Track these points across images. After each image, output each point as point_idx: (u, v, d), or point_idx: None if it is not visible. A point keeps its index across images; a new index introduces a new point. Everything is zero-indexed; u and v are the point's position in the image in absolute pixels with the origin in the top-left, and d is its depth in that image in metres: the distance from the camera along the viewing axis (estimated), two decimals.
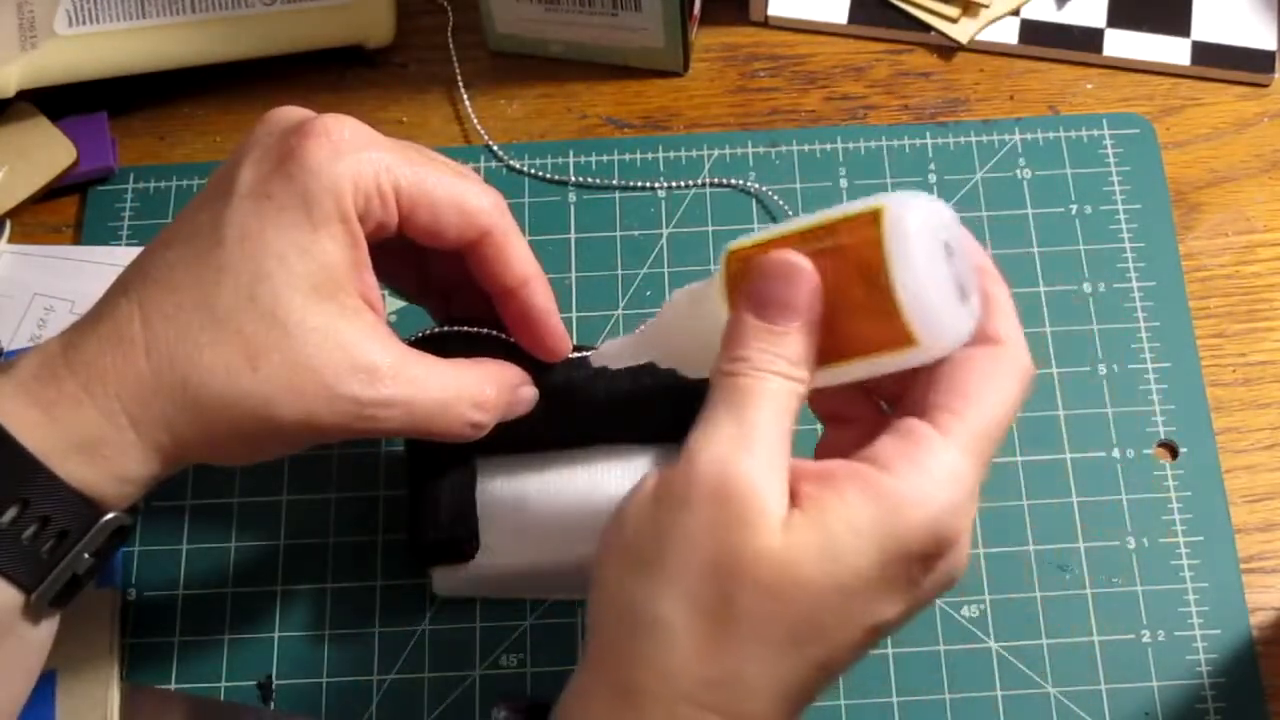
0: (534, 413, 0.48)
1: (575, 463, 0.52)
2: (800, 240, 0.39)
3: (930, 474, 0.37)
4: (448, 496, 0.50)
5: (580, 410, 0.50)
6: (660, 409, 0.51)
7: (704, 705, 0.36)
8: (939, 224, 0.38)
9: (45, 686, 0.51)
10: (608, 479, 0.52)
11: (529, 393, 0.48)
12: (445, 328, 0.48)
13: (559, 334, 0.48)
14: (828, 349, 0.39)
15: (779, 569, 0.36)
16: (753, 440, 0.37)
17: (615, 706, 0.37)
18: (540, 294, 0.47)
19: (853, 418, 0.43)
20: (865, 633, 0.37)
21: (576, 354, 0.49)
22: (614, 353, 0.47)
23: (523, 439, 0.50)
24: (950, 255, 0.38)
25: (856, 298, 0.38)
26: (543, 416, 0.48)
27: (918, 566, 0.37)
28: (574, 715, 0.39)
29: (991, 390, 0.39)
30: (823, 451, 0.43)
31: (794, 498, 0.37)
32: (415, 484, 0.50)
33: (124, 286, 0.42)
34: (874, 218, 0.37)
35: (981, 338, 0.39)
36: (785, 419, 0.38)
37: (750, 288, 0.39)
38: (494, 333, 0.48)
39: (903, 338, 0.37)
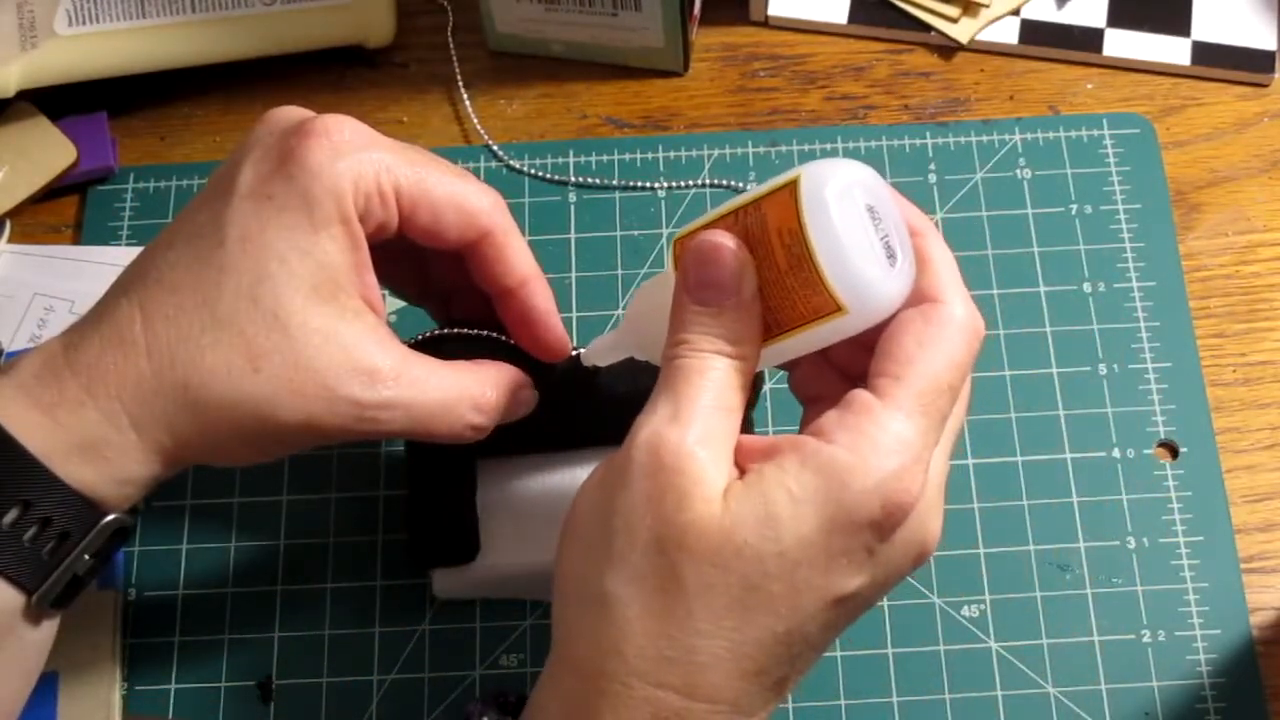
0: (534, 414, 0.48)
1: (576, 464, 0.52)
2: (733, 220, 0.39)
3: (872, 441, 0.37)
4: (448, 498, 0.50)
5: (580, 411, 0.50)
6: None
7: (661, 683, 0.37)
8: (859, 188, 0.38)
9: (47, 688, 0.51)
10: None
11: (529, 395, 0.48)
12: (445, 330, 0.48)
13: (559, 335, 0.48)
14: (770, 324, 0.39)
15: (719, 537, 0.36)
16: (688, 416, 0.38)
17: (580, 691, 0.38)
18: (540, 294, 0.47)
19: (828, 397, 0.42)
20: (827, 605, 0.37)
21: (576, 355, 0.49)
22: (600, 350, 0.47)
23: (523, 440, 0.50)
24: (875, 218, 0.38)
25: (785, 270, 0.38)
26: (543, 418, 0.48)
27: (870, 535, 0.37)
28: (544, 702, 0.39)
29: (932, 350, 0.38)
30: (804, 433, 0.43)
31: (742, 475, 0.38)
32: (415, 486, 0.50)
33: (124, 287, 0.42)
34: (791, 188, 0.37)
35: (919, 298, 0.39)
36: (727, 394, 0.38)
37: (682, 272, 0.40)
38: (494, 334, 0.48)
39: (830, 305, 0.37)
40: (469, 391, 0.44)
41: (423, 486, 0.50)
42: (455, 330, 0.48)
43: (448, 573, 0.51)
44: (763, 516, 0.36)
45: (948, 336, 0.39)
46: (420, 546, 0.50)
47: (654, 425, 0.38)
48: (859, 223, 0.37)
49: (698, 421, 0.38)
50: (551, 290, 0.47)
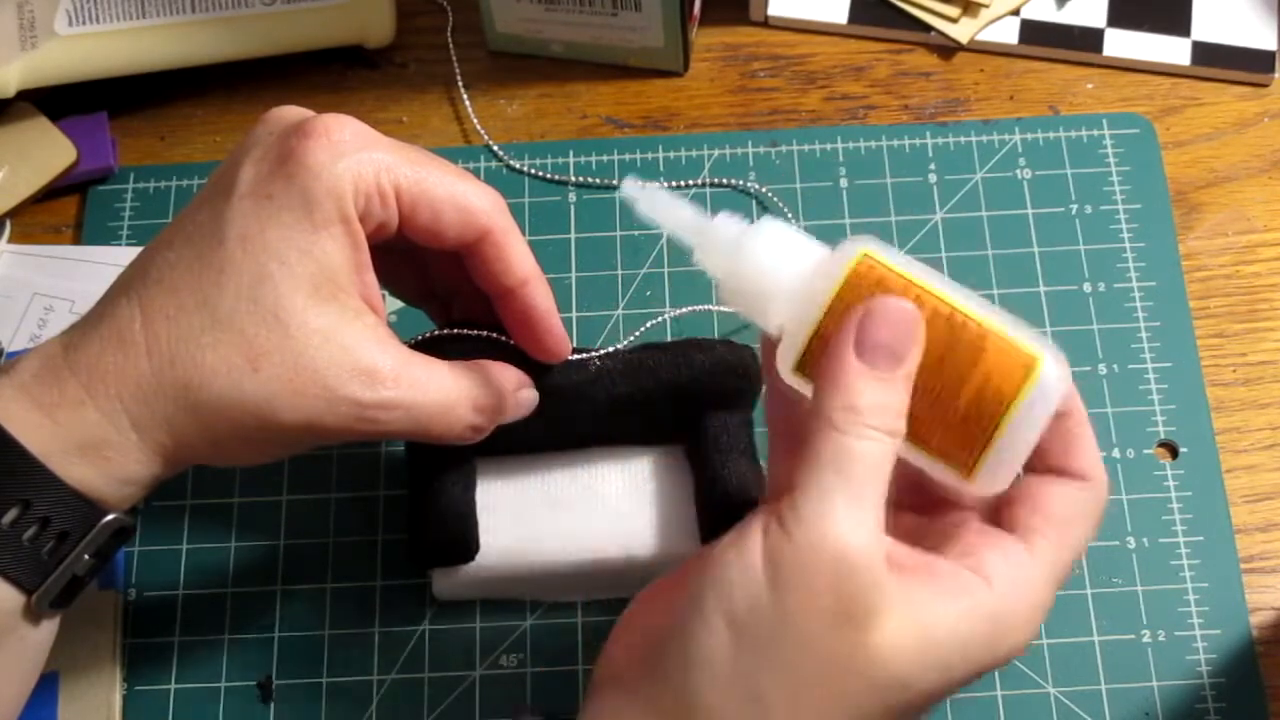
0: (534, 415, 0.48)
1: (575, 465, 0.52)
2: (938, 307, 0.38)
3: (1030, 604, 0.38)
4: (447, 499, 0.50)
5: (580, 412, 0.50)
6: (660, 411, 0.51)
7: None
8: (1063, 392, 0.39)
9: (48, 688, 0.51)
10: (607, 482, 0.52)
11: (529, 395, 0.48)
12: (445, 330, 0.48)
13: (559, 335, 0.48)
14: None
15: (892, 670, 0.36)
16: (870, 519, 0.36)
17: None
18: (540, 295, 0.47)
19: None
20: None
21: (576, 356, 0.49)
22: (655, 207, 0.40)
23: (523, 441, 0.50)
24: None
25: (956, 405, 0.37)
26: (543, 419, 0.48)
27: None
28: None
29: (1081, 525, 0.40)
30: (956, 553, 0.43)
31: (893, 568, 0.37)
32: (415, 486, 0.51)
33: (124, 287, 0.42)
34: (1028, 367, 0.37)
35: (1075, 471, 0.41)
36: (888, 480, 0.37)
37: (863, 326, 0.37)
38: (494, 335, 0.48)
39: (966, 465, 0.38)
40: (469, 392, 0.44)
41: (422, 486, 0.50)
42: (455, 330, 0.48)
43: (447, 573, 0.51)
44: (936, 660, 0.37)
45: (1093, 516, 0.41)
46: (419, 546, 0.50)
47: (836, 525, 0.36)
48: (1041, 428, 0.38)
49: (876, 524, 0.36)
50: (552, 290, 0.47)
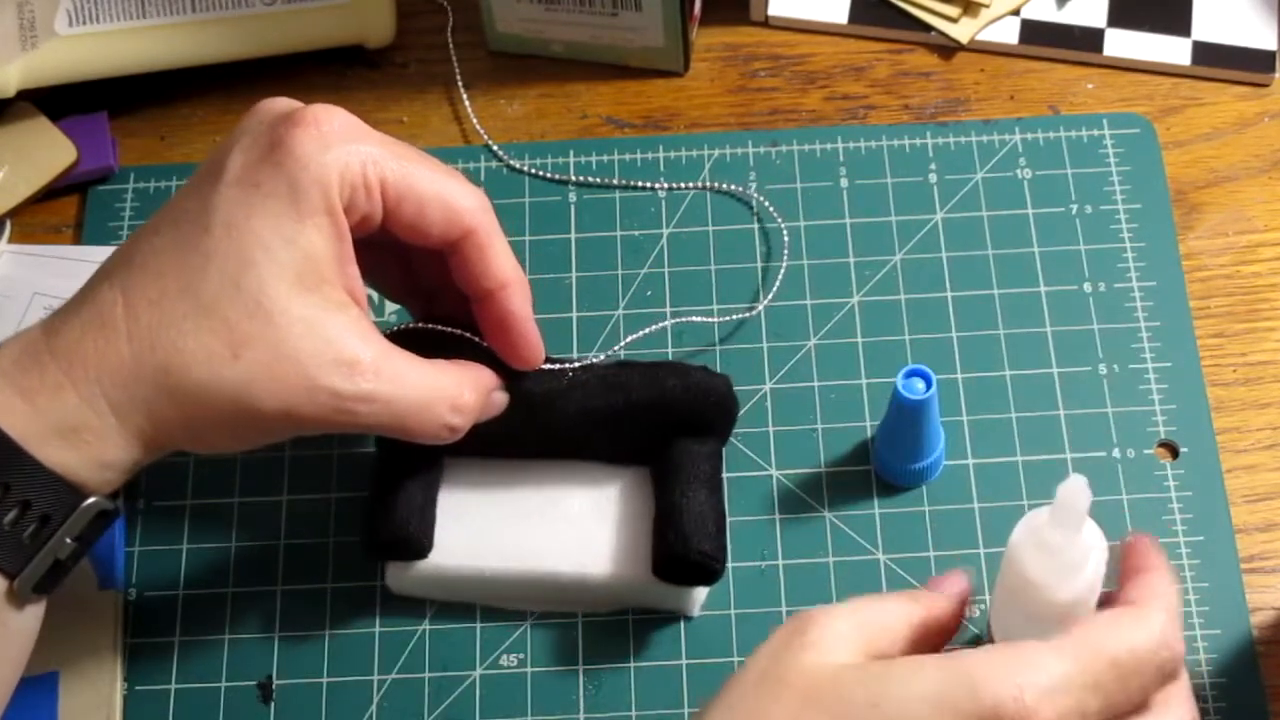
0: (502, 420, 0.48)
1: (544, 478, 0.52)
2: None
3: (1008, 651, 0.37)
4: (408, 494, 0.50)
5: (550, 422, 0.50)
6: (630, 430, 0.50)
7: None
8: None
9: (48, 688, 0.51)
10: (573, 498, 0.52)
11: (500, 398, 0.48)
12: (419, 324, 0.48)
13: (534, 342, 0.47)
14: None
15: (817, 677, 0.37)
16: (840, 604, 0.40)
17: None
18: (518, 300, 0.46)
19: None
20: None
21: (550, 365, 0.49)
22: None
23: (491, 446, 0.50)
24: None
25: None
26: (512, 425, 0.48)
27: None
28: None
29: (1114, 621, 0.38)
30: None
31: None
32: (380, 478, 0.50)
33: (109, 272, 0.42)
34: None
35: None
36: (891, 603, 0.41)
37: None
38: (467, 335, 0.48)
39: None
40: (447, 391, 0.44)
41: (388, 480, 0.50)
42: (430, 325, 0.48)
43: (400, 567, 0.51)
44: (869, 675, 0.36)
45: (1134, 619, 0.38)
46: (373, 538, 0.50)
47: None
48: None
49: (844, 605, 0.39)
50: (531, 296, 0.47)
